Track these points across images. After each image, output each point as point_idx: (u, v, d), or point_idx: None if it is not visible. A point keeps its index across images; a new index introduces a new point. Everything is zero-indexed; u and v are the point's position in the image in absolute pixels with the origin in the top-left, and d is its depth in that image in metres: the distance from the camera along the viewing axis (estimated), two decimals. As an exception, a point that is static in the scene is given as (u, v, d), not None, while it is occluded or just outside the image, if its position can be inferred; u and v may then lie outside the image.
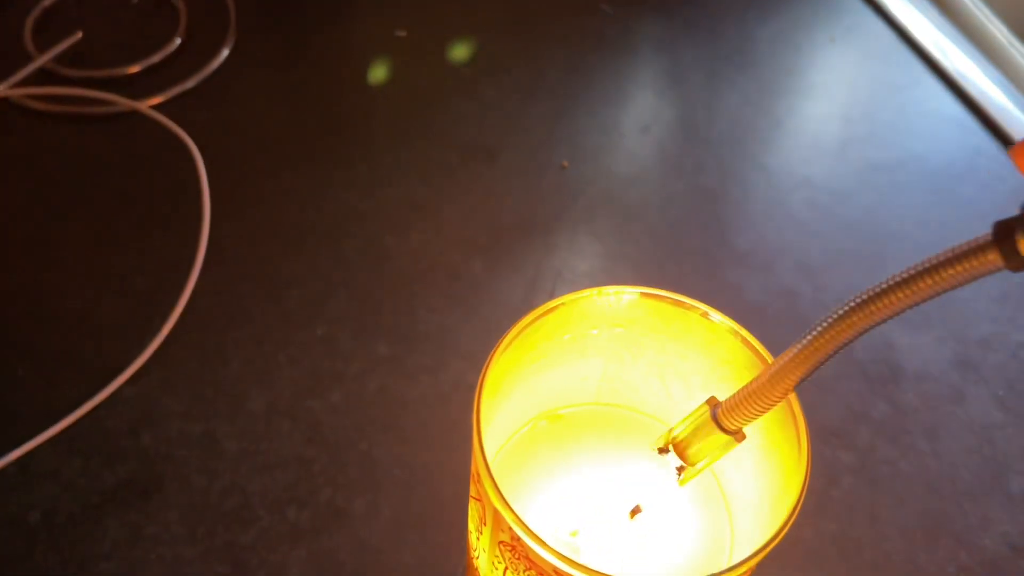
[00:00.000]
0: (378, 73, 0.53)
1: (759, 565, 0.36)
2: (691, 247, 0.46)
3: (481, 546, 0.24)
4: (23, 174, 0.47)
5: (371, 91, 0.52)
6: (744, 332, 0.23)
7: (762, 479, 0.24)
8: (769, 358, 0.23)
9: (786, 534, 0.21)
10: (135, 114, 0.49)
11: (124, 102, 0.49)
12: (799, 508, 0.20)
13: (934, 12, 0.57)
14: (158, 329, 0.41)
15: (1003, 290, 0.45)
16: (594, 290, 0.24)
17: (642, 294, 0.24)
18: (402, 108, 0.51)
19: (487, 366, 0.22)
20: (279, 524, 0.36)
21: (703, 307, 0.24)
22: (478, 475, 0.21)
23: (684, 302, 0.24)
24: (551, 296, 0.43)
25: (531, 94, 0.52)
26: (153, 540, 0.35)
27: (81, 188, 0.46)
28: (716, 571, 0.24)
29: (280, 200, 0.46)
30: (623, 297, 0.24)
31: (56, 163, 0.47)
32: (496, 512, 0.21)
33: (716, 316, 0.23)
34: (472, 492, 0.23)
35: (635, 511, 0.27)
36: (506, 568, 0.22)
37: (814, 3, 0.59)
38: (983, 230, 0.51)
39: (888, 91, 0.54)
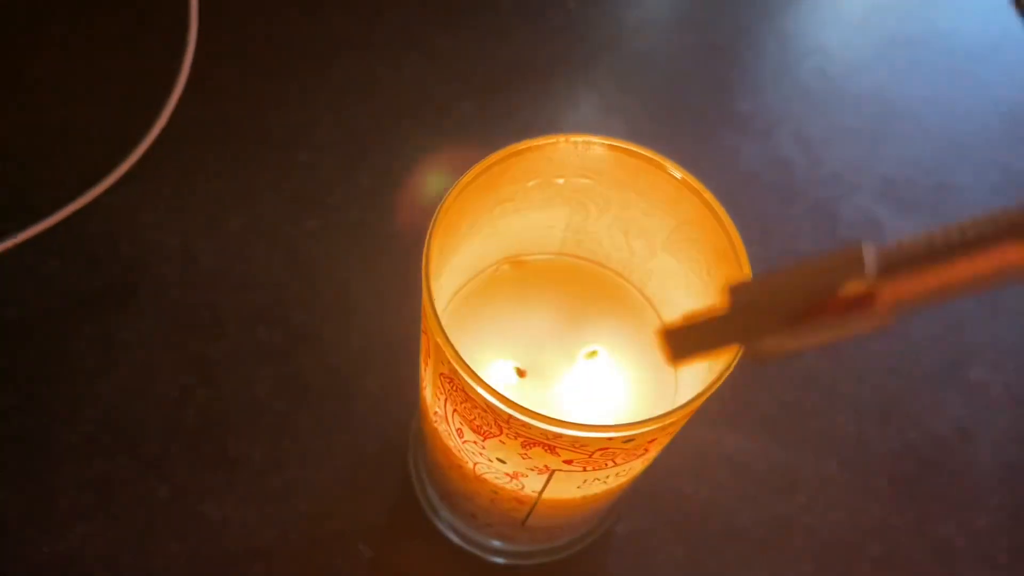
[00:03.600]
0: None
1: (710, 423, 0.37)
2: (691, 105, 0.45)
3: (427, 377, 0.24)
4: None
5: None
6: (707, 193, 0.23)
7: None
8: (733, 230, 0.22)
9: (720, 390, 0.21)
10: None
11: None
12: (731, 369, 0.21)
13: None
14: (140, 139, 0.40)
15: (1002, 180, 0.44)
16: (562, 136, 0.24)
17: (609, 145, 0.24)
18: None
19: (445, 201, 0.22)
20: (248, 342, 0.37)
21: (668, 164, 0.23)
22: (425, 309, 0.22)
23: (650, 157, 0.23)
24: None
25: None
26: (125, 345, 0.36)
27: (70, -14, 0.45)
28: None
29: (272, 18, 0.45)
30: (591, 147, 0.24)
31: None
32: (437, 345, 0.21)
33: (678, 173, 0.23)
34: (422, 325, 0.24)
35: (590, 354, 0.27)
36: (446, 399, 0.23)
37: None
38: (994, 116, 0.49)
39: (923, -40, 0.51)
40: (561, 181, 0.25)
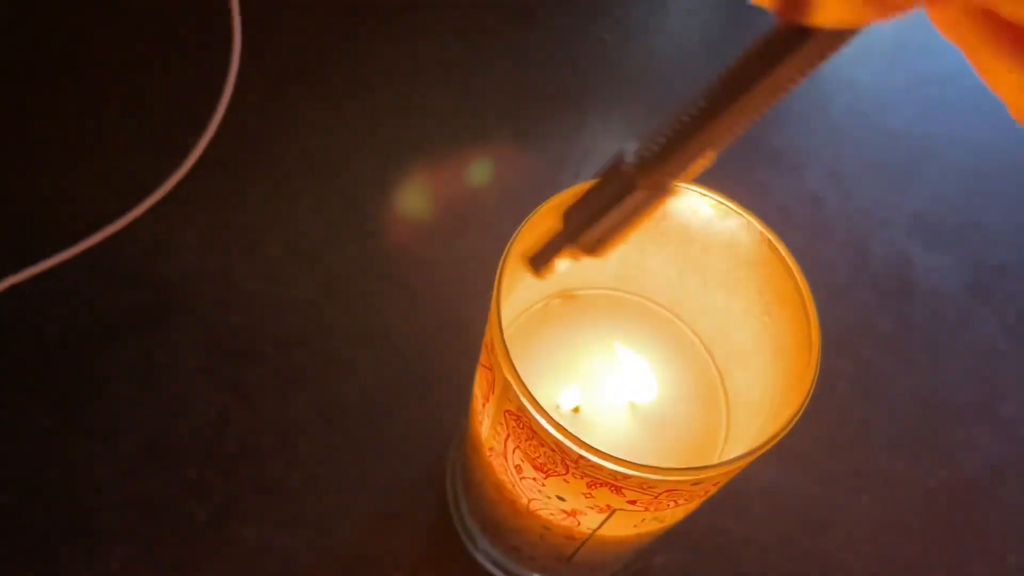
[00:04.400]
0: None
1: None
2: (723, 140, 0.45)
3: (486, 412, 0.24)
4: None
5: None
6: (770, 234, 0.23)
7: (766, 381, 0.25)
8: (794, 265, 0.23)
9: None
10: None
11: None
12: (800, 414, 0.21)
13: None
14: (181, 162, 0.40)
15: (1031, 220, 0.45)
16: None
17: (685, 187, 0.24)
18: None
19: (515, 237, 0.22)
20: (285, 367, 0.37)
21: (730, 204, 0.24)
22: (492, 344, 0.22)
23: (711, 196, 0.24)
24: (576, 175, 0.43)
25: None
26: (163, 367, 0.37)
27: (108, 8, 0.45)
28: (705, 463, 0.25)
29: (313, 45, 0.45)
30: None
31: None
32: (506, 382, 0.21)
33: (746, 216, 0.23)
34: (483, 360, 0.24)
35: (640, 396, 0.27)
36: (508, 436, 0.23)
37: None
38: (1022, 155, 0.49)
39: (951, -1, 0.52)
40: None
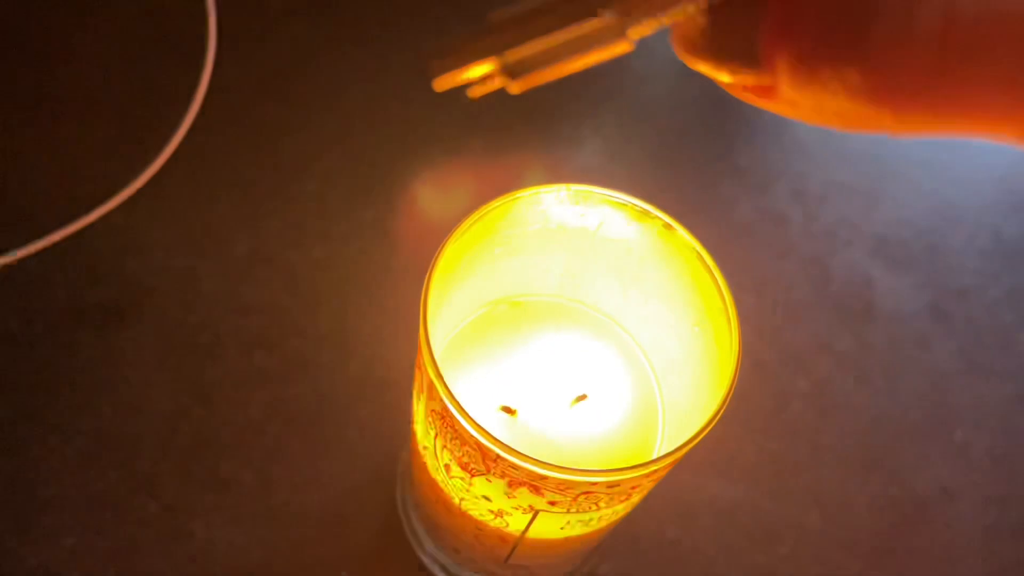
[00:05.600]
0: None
1: (695, 470, 0.37)
2: (692, 156, 0.46)
3: (419, 412, 0.25)
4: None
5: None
6: (701, 249, 0.24)
7: (697, 391, 0.25)
8: (723, 283, 0.23)
9: (706, 438, 0.22)
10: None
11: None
12: (712, 424, 0.21)
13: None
14: (152, 160, 0.41)
15: (992, 246, 0.45)
16: (563, 185, 0.25)
17: (608, 198, 0.24)
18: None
19: (445, 243, 0.23)
20: (245, 366, 0.37)
21: (666, 218, 0.24)
22: (419, 344, 0.22)
23: (649, 211, 0.24)
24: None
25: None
26: (125, 363, 0.37)
27: (83, 3, 0.46)
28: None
29: (287, 48, 0.46)
30: (591, 197, 0.25)
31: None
32: (431, 382, 0.22)
33: (680, 230, 0.24)
34: (416, 360, 0.24)
35: (579, 398, 0.28)
36: (436, 435, 0.23)
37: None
38: (987, 181, 0.50)
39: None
40: (555, 226, 0.26)
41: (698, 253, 0.24)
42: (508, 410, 0.27)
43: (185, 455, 0.36)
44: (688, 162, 0.46)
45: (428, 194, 0.43)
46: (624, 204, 0.24)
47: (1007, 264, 0.45)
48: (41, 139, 0.42)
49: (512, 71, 0.16)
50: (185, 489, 0.35)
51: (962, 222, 0.46)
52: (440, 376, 0.21)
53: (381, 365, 0.38)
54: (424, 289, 0.22)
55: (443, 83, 0.16)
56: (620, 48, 0.15)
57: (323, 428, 0.37)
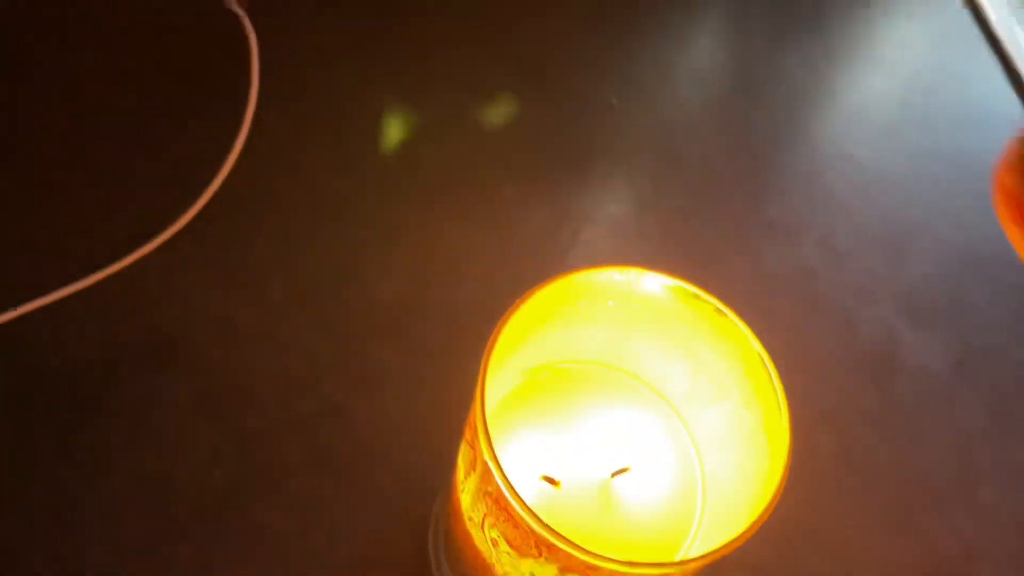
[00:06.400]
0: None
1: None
2: (721, 206, 0.46)
3: (467, 487, 0.25)
4: (66, 24, 0.47)
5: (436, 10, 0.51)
6: (752, 335, 0.24)
7: (741, 472, 0.26)
8: (773, 370, 0.24)
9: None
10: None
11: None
12: (769, 513, 0.22)
13: (1022, 7, 0.55)
14: (192, 202, 0.42)
15: (1019, 303, 0.45)
16: (615, 268, 0.25)
17: (661, 280, 0.25)
18: (458, 15, 0.51)
19: (498, 329, 0.23)
20: (281, 410, 0.38)
21: (718, 303, 0.25)
22: (475, 426, 0.23)
23: (700, 295, 0.25)
24: (575, 236, 0.44)
25: (591, 24, 0.51)
26: (162, 405, 0.37)
27: (128, 45, 0.46)
28: (680, 543, 0.26)
29: (326, 91, 0.46)
30: (642, 280, 0.25)
31: (103, 15, 0.47)
32: (486, 465, 0.22)
33: (731, 316, 0.24)
34: (466, 436, 0.25)
35: (619, 471, 0.28)
36: (486, 514, 0.24)
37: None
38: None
39: (954, 80, 0.53)
40: (611, 303, 0.26)
41: (750, 342, 0.24)
42: (551, 480, 0.27)
43: (220, 500, 0.36)
44: (717, 212, 0.46)
45: (459, 239, 0.43)
46: (675, 288, 0.25)
47: (1033, 323, 0.45)
48: (82, 180, 0.42)
49: None
50: (219, 534, 0.35)
51: (988, 279, 0.46)
52: (498, 463, 0.21)
53: (415, 413, 0.38)
54: (481, 372, 0.23)
55: None
56: None
57: (357, 475, 0.37)
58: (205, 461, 0.37)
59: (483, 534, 0.25)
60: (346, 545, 0.36)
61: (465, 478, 0.25)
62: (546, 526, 0.21)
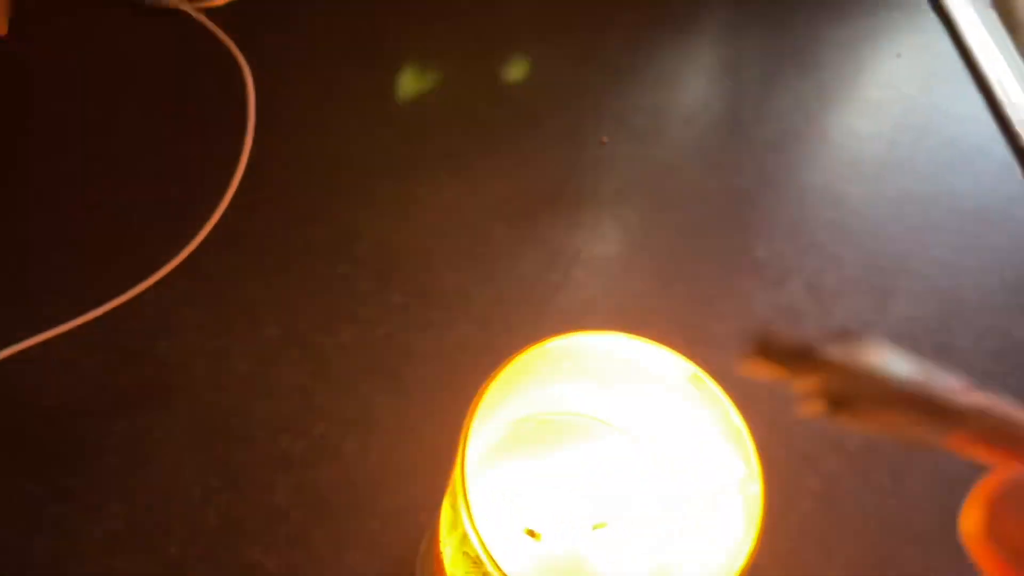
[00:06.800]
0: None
1: None
2: (711, 247, 0.47)
3: (450, 542, 0.26)
4: (68, 61, 0.48)
5: (428, 33, 0.52)
6: (728, 401, 0.25)
7: (720, 524, 0.26)
8: (748, 432, 0.24)
9: None
10: (189, 19, 0.49)
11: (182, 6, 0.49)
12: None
13: (1009, 47, 0.56)
14: (187, 241, 0.42)
15: (1001, 346, 0.46)
16: (600, 332, 0.26)
17: (641, 345, 0.25)
18: (454, 53, 0.51)
19: (481, 392, 0.24)
20: (273, 450, 0.39)
21: (695, 368, 0.25)
22: (455, 492, 0.23)
23: (679, 361, 0.25)
24: (565, 275, 0.44)
25: (585, 62, 0.52)
26: (155, 444, 0.38)
27: (127, 83, 0.47)
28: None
29: (323, 134, 0.47)
30: (624, 342, 0.26)
31: (105, 54, 0.48)
32: (466, 534, 0.23)
33: (707, 380, 0.25)
34: (448, 497, 0.25)
35: (599, 525, 0.29)
36: (467, 573, 0.24)
37: (889, 13, 0.58)
38: (998, 281, 0.50)
39: (942, 120, 0.54)
40: (594, 364, 0.27)
41: (724, 407, 0.25)
42: (532, 534, 0.28)
43: (212, 539, 0.37)
44: (707, 253, 0.47)
45: (452, 278, 0.44)
46: (656, 353, 0.25)
47: (1016, 365, 0.46)
48: (78, 217, 0.43)
49: (837, 402, 0.15)
50: (210, 574, 0.36)
51: (972, 322, 0.47)
52: (480, 536, 0.22)
53: (404, 453, 0.39)
54: (461, 442, 0.23)
55: (752, 368, 0.16)
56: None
57: (346, 516, 0.38)
58: (197, 500, 0.37)
59: (464, 588, 0.26)
60: (335, 585, 0.36)
61: (449, 534, 0.26)
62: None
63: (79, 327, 0.40)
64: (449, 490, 0.25)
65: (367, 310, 0.42)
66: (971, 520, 0.14)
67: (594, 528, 0.28)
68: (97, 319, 0.40)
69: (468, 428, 0.23)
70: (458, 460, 0.23)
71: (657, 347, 0.25)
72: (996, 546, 0.14)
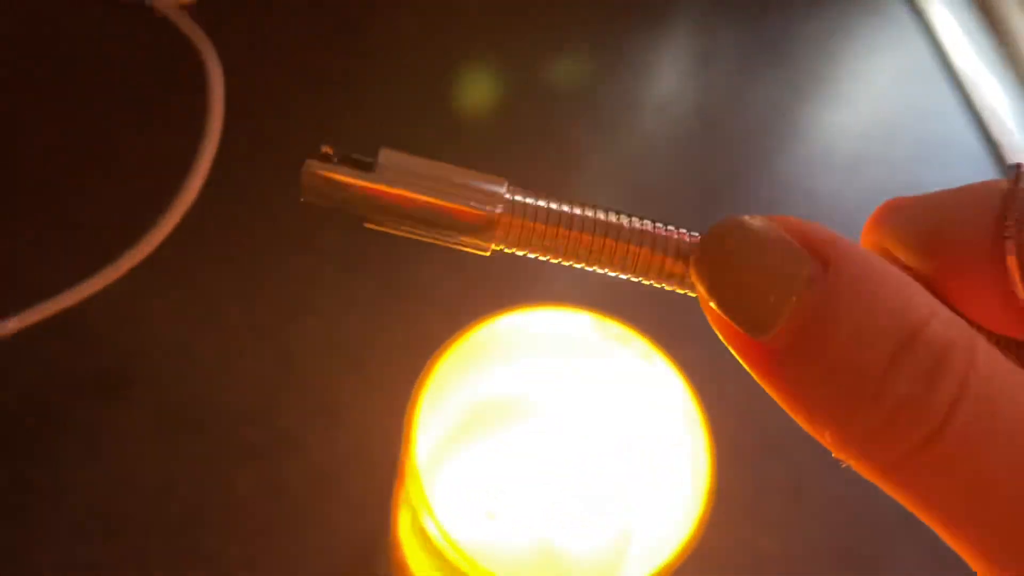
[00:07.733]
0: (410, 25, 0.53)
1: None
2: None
3: (406, 525, 0.26)
4: (29, 50, 0.48)
5: (401, 37, 0.52)
6: (679, 377, 0.24)
7: (672, 503, 0.26)
8: (698, 406, 0.24)
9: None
10: (156, 7, 0.49)
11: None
12: (688, 552, 0.22)
13: (985, 44, 0.56)
14: (151, 231, 0.42)
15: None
16: (548, 306, 0.25)
17: (593, 320, 0.25)
18: (423, 40, 0.51)
19: (421, 386, 0.24)
20: (234, 439, 0.38)
21: (647, 344, 0.25)
22: (407, 474, 0.23)
23: (628, 335, 0.25)
24: (536, 267, 0.44)
25: (559, 48, 0.52)
26: (118, 434, 0.38)
27: (94, 73, 0.47)
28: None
29: (290, 122, 0.47)
30: (575, 317, 0.26)
31: (71, 44, 0.48)
32: (419, 515, 0.22)
33: (658, 356, 0.25)
34: (400, 495, 0.25)
35: (557, 505, 0.29)
36: (420, 548, 0.24)
37: (862, 6, 0.58)
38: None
39: (915, 115, 0.54)
40: (546, 338, 0.27)
41: (680, 384, 0.24)
42: (489, 515, 0.28)
43: (172, 529, 0.36)
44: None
45: (418, 274, 0.44)
46: (608, 328, 0.25)
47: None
48: (41, 208, 0.43)
49: (371, 211, 0.15)
50: (171, 564, 0.36)
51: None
52: (430, 508, 0.22)
53: (368, 443, 0.39)
54: (407, 427, 0.23)
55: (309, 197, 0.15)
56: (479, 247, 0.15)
57: (309, 505, 0.37)
58: (158, 490, 0.37)
59: (423, 567, 0.26)
60: (299, 574, 0.36)
61: (403, 518, 0.26)
62: (475, 565, 0.21)
63: (41, 319, 0.39)
64: (400, 472, 0.25)
65: (333, 301, 0.42)
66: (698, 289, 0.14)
67: (551, 507, 0.28)
68: (60, 311, 0.40)
69: (416, 406, 0.23)
70: (406, 440, 0.23)
71: (609, 322, 0.25)
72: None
